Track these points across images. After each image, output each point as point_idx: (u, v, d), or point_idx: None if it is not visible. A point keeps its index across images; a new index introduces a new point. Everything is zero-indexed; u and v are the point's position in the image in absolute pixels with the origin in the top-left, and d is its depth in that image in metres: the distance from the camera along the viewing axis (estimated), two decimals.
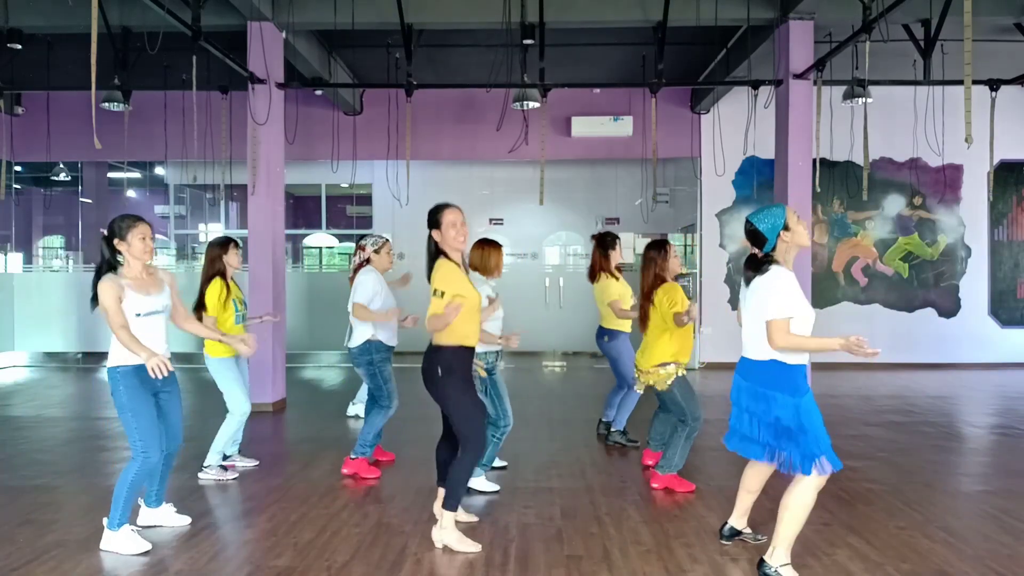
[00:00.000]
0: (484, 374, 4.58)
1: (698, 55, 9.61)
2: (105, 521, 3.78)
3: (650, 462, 5.26)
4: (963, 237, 10.93)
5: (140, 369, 3.67)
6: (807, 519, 3.33)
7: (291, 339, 9.72)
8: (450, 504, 3.77)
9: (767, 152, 9.30)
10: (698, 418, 4.75)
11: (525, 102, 8.27)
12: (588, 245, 7.93)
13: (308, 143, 10.11)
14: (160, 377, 3.57)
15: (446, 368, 3.70)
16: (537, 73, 7.50)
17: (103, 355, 3.79)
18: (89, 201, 13.68)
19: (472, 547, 3.73)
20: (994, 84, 7.88)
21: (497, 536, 3.96)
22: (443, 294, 3.62)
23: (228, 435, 5.07)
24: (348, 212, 14.27)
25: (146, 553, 3.69)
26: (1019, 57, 8.77)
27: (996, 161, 9.70)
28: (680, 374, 4.78)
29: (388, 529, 4.07)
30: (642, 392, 5.15)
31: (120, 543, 3.71)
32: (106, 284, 3.66)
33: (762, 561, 3.35)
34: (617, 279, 5.85)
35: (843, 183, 10.58)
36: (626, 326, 5.90)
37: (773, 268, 3.28)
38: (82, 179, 13.41)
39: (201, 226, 14.03)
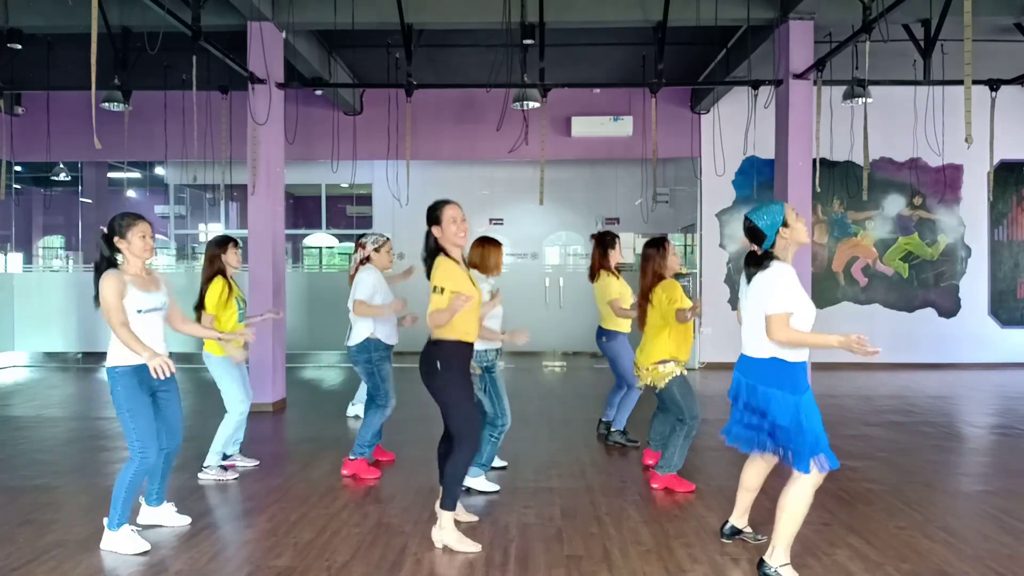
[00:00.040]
0: (479, 371, 4.56)
1: (698, 55, 9.61)
2: (105, 521, 3.78)
3: (650, 462, 5.26)
4: (963, 237, 10.93)
5: (139, 369, 3.67)
6: (807, 519, 3.33)
7: (291, 339, 9.72)
8: (448, 504, 3.77)
9: (767, 152, 9.30)
10: (696, 417, 4.75)
11: (525, 102, 8.27)
12: (588, 245, 7.95)
13: (308, 143, 10.11)
14: (163, 378, 3.57)
15: (445, 362, 3.70)
16: (537, 73, 7.50)
17: (103, 355, 3.78)
18: (89, 201, 13.69)
19: (472, 547, 3.73)
20: (994, 84, 7.88)
21: (497, 536, 3.96)
22: (443, 291, 3.62)
23: (227, 435, 5.07)
24: (348, 212, 14.27)
25: (146, 553, 3.69)
26: (1019, 57, 8.77)
27: (996, 161, 9.70)
28: (679, 372, 4.77)
29: (388, 529, 4.07)
30: (642, 390, 5.14)
31: (120, 543, 3.71)
32: (110, 279, 3.65)
33: (762, 561, 3.35)
34: (617, 278, 5.85)
35: (843, 183, 10.58)
36: (625, 327, 5.90)
37: (774, 264, 3.28)
38: (82, 179, 13.42)
39: (201, 226, 14.04)
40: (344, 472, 5.10)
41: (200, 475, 5.01)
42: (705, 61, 9.79)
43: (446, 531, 3.76)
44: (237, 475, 5.08)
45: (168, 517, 4.12)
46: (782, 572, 3.29)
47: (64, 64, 8.52)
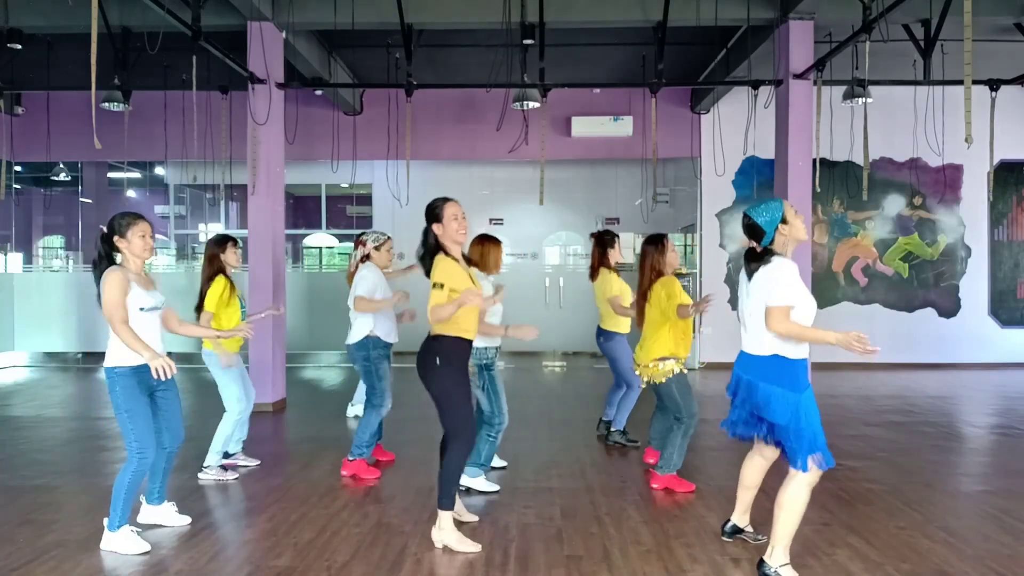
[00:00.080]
0: (474, 370, 4.54)
1: (698, 55, 9.61)
2: (105, 521, 3.78)
3: (652, 461, 5.27)
4: (963, 237, 10.93)
5: (138, 370, 3.67)
6: (807, 519, 3.33)
7: (291, 339, 9.72)
8: (445, 503, 3.77)
9: (767, 152, 9.30)
10: (694, 415, 4.75)
11: (525, 102, 8.27)
12: (588, 245, 7.97)
13: (308, 143, 10.11)
14: (164, 379, 3.57)
15: (444, 358, 3.69)
16: (537, 73, 7.50)
17: (103, 355, 3.78)
18: (89, 201, 13.69)
19: (472, 547, 3.73)
20: (994, 84, 7.88)
21: (497, 536, 3.96)
22: (443, 286, 3.62)
23: (226, 434, 5.07)
24: (348, 212, 14.27)
25: (146, 553, 3.69)
26: (1019, 57, 8.77)
27: (996, 161, 9.70)
28: (679, 370, 4.76)
29: (388, 529, 4.07)
30: (643, 387, 5.11)
31: (120, 543, 3.71)
32: (114, 275, 3.64)
33: (761, 561, 3.35)
34: (617, 275, 5.86)
35: (843, 183, 10.58)
36: (624, 327, 5.89)
37: (776, 259, 3.29)
38: (82, 179, 13.42)
39: (201, 226, 14.04)
40: (344, 473, 5.09)
41: (200, 475, 5.01)
42: (705, 61, 9.79)
43: (445, 531, 3.76)
44: (237, 475, 5.08)
45: (168, 517, 4.12)
46: (782, 572, 3.29)
47: (64, 64, 8.52)
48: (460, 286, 3.65)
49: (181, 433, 4.02)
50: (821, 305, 10.40)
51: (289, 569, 3.52)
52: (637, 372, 4.94)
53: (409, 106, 8.05)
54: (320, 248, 16.92)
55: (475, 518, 4.17)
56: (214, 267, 5.05)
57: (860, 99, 8.35)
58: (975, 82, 5.76)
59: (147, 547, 3.72)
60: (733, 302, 10.45)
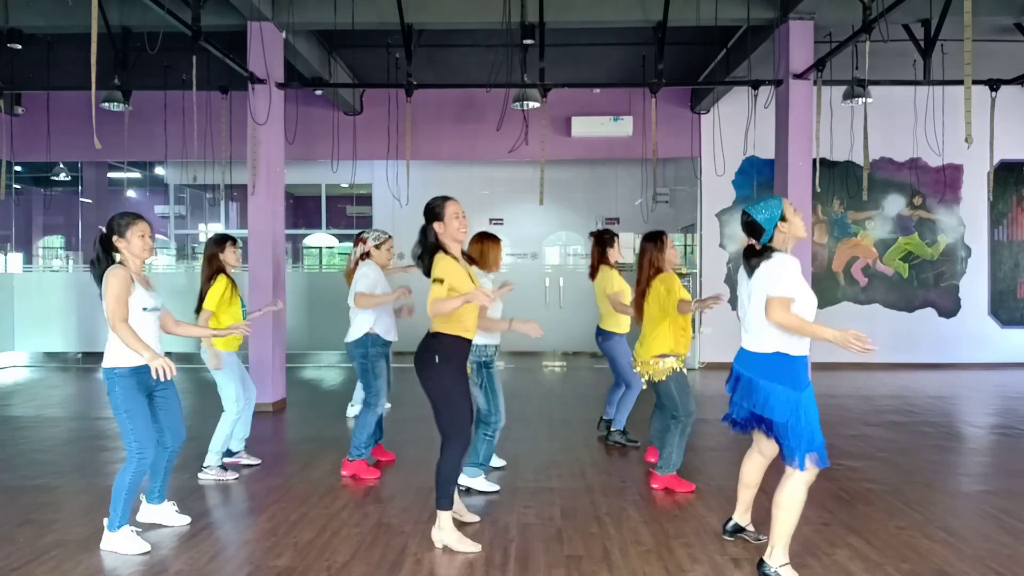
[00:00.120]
0: (472, 368, 4.53)
1: (698, 55, 9.61)
2: (105, 521, 3.78)
3: (653, 460, 5.26)
4: (963, 237, 10.93)
5: (137, 371, 3.67)
6: (807, 519, 3.34)
7: (291, 339, 9.72)
8: (443, 503, 3.77)
9: (767, 152, 9.30)
10: (691, 414, 4.74)
11: (525, 102, 8.27)
12: (588, 245, 7.95)
13: (308, 143, 10.11)
14: (164, 380, 3.57)
15: (444, 356, 3.69)
16: (537, 73, 7.50)
17: (103, 355, 3.78)
18: (89, 201, 13.69)
19: (472, 547, 3.73)
20: (994, 84, 7.88)
21: (497, 536, 3.95)
22: (443, 282, 3.61)
23: (225, 434, 5.06)
24: (348, 212, 14.28)
25: (146, 553, 3.68)
26: (1019, 57, 8.77)
27: (996, 161, 9.70)
28: (678, 369, 4.76)
29: (388, 529, 4.07)
30: (644, 387, 5.09)
31: (120, 543, 3.71)
32: (118, 273, 3.63)
33: (761, 561, 3.35)
34: (618, 273, 5.86)
35: (843, 183, 10.58)
36: (623, 327, 5.89)
37: (778, 254, 3.29)
38: (82, 179, 13.42)
39: (201, 226, 14.04)
40: (344, 473, 5.09)
41: (200, 475, 5.00)
42: (705, 61, 9.79)
43: (445, 531, 3.76)
44: (237, 475, 5.08)
45: (168, 516, 4.12)
46: (782, 572, 3.29)
47: (64, 64, 8.52)
48: (460, 284, 3.65)
49: (183, 432, 4.02)
50: (821, 305, 10.44)
51: (289, 569, 3.52)
52: (636, 369, 4.93)
53: (409, 106, 8.05)
54: (320, 248, 16.93)
55: (476, 518, 4.17)
56: (213, 267, 5.05)
57: (860, 99, 8.35)
58: (975, 82, 5.76)
59: (147, 547, 3.72)
60: (733, 302, 10.43)
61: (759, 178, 10.58)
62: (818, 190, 7.65)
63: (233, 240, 5.17)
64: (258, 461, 5.40)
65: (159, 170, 13.39)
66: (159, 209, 14.44)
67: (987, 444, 6.34)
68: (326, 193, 12.81)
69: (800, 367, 3.30)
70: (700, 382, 9.42)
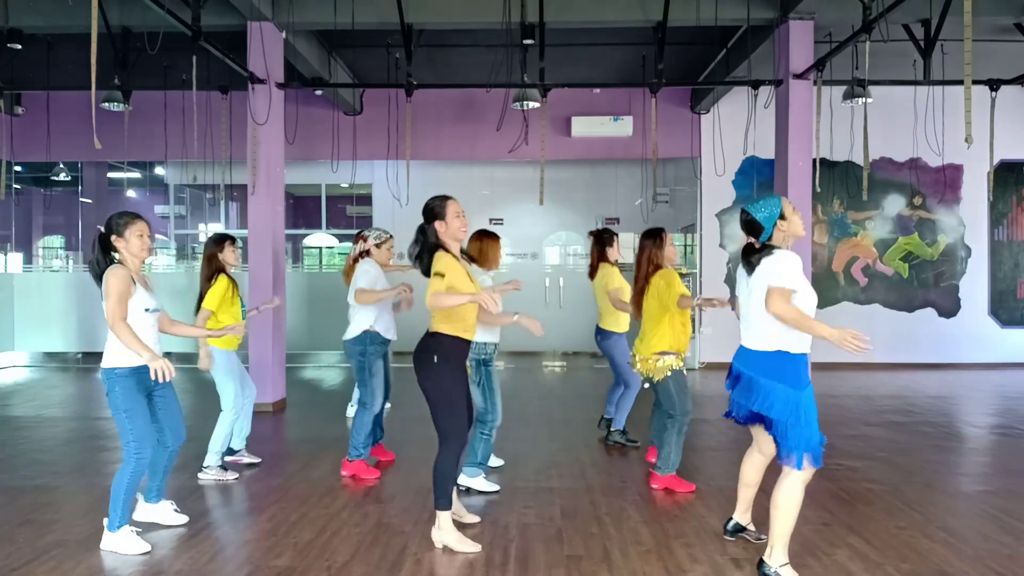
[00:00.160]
0: (469, 371, 4.51)
1: (698, 55, 9.61)
2: (105, 521, 3.77)
3: (653, 459, 5.25)
4: (963, 237, 10.93)
5: (137, 371, 3.66)
6: (807, 519, 3.34)
7: (291, 339, 9.72)
8: (441, 504, 3.77)
9: (767, 152, 9.30)
10: (687, 412, 4.74)
11: (525, 102, 8.27)
12: (588, 245, 7.92)
13: (308, 143, 10.11)
14: (163, 381, 3.56)
15: (443, 356, 3.69)
16: (537, 73, 7.50)
17: (103, 355, 3.77)
18: (89, 201, 13.69)
19: (472, 547, 3.73)
20: (994, 84, 7.88)
21: (497, 536, 3.95)
22: (444, 276, 3.61)
23: (224, 433, 5.05)
24: (348, 212, 14.28)
25: (146, 553, 3.68)
26: (1019, 57, 8.77)
27: (996, 161, 9.70)
28: (678, 367, 4.75)
29: (388, 529, 4.07)
30: (647, 386, 5.06)
31: (120, 544, 3.71)
32: (119, 272, 3.62)
33: (761, 561, 3.35)
34: (619, 271, 5.86)
35: (843, 183, 10.58)
36: (623, 326, 5.89)
37: (779, 250, 3.30)
38: (82, 179, 13.42)
39: (201, 226, 14.04)
40: (344, 473, 5.09)
41: (200, 475, 5.00)
42: (705, 61, 9.79)
43: (445, 531, 3.76)
44: (237, 475, 5.07)
45: (165, 515, 4.11)
46: (782, 572, 3.29)
47: (64, 64, 8.52)
48: (460, 283, 3.65)
49: (183, 432, 4.02)
50: (821, 305, 10.38)
51: (289, 569, 3.52)
52: (635, 366, 4.90)
53: (409, 106, 8.05)
54: (320, 248, 16.93)
55: (476, 519, 4.16)
56: (213, 266, 5.04)
57: (860, 99, 8.35)
58: (975, 82, 5.76)
59: (147, 547, 3.72)
60: (733, 301, 10.44)
61: (759, 178, 10.58)
62: (818, 190, 7.65)
63: (232, 239, 5.17)
64: (259, 460, 5.40)
65: (159, 170, 13.39)
66: (159, 209, 14.44)
67: (987, 444, 6.34)
68: (326, 193, 12.81)
69: (801, 365, 3.29)
70: (700, 382, 9.42)
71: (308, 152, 10.40)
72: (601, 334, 5.96)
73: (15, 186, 12.37)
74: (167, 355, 3.72)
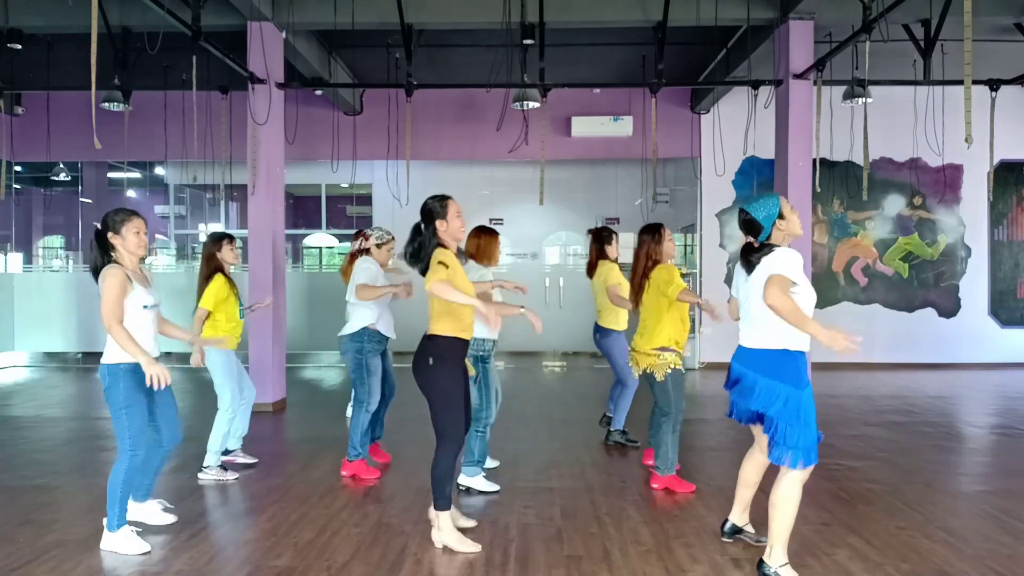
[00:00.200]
0: (474, 372, 4.51)
1: (698, 55, 9.61)
2: (105, 521, 3.77)
3: (650, 462, 5.25)
4: (963, 237, 10.93)
5: (139, 367, 3.65)
6: (807, 519, 3.34)
7: (291, 339, 9.72)
8: (440, 504, 3.76)
9: (767, 152, 9.30)
10: (682, 409, 4.74)
11: (525, 102, 8.27)
12: (587, 244, 7.90)
13: (308, 143, 10.11)
14: (157, 388, 3.56)
15: (438, 358, 3.69)
16: (537, 73, 7.50)
17: (104, 351, 3.76)
18: (89, 201, 13.70)
19: (472, 547, 3.73)
20: (994, 84, 7.88)
21: (497, 536, 3.95)
22: (447, 267, 3.61)
23: (222, 432, 5.04)
24: (348, 212, 14.28)
25: (146, 553, 3.68)
26: (1019, 57, 8.77)
27: (996, 161, 9.70)
28: (677, 366, 4.74)
29: (388, 529, 4.07)
30: (637, 379, 5.00)
31: (120, 543, 3.70)
32: (114, 272, 3.61)
33: (761, 562, 3.35)
34: (619, 268, 5.86)
35: (843, 183, 10.58)
36: (621, 324, 5.88)
37: (779, 248, 3.30)
38: (82, 179, 13.43)
39: (201, 226, 14.04)
40: (344, 473, 5.09)
41: (200, 475, 5.00)
42: (705, 61, 9.79)
43: (445, 531, 3.76)
44: (237, 475, 5.07)
45: (153, 515, 4.08)
46: (781, 572, 3.29)
47: (64, 64, 8.52)
48: (459, 281, 3.67)
49: (179, 433, 3.99)
50: (821, 305, 10.41)
51: (289, 569, 3.52)
52: (632, 361, 4.88)
53: (409, 106, 8.05)
54: (320, 248, 16.93)
55: (473, 523, 4.10)
56: (211, 266, 5.04)
57: (860, 99, 8.35)
58: (975, 82, 5.76)
59: (147, 547, 3.72)
60: (729, 304, 10.44)
61: (759, 178, 10.58)
62: (818, 190, 7.65)
63: (231, 238, 5.16)
64: (255, 460, 5.39)
65: (159, 170, 13.40)
66: (159, 209, 14.45)
67: (987, 444, 6.34)
68: (326, 193, 12.81)
69: (801, 363, 3.30)
70: (700, 382, 9.42)
71: (308, 152, 10.40)
72: (600, 332, 5.95)
73: (15, 186, 12.37)
74: (167, 355, 3.71)
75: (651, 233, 4.83)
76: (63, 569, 3.52)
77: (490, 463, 5.18)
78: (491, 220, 12.13)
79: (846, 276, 10.91)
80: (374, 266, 5.10)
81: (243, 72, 7.35)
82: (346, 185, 11.97)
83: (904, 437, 6.36)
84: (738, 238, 10.36)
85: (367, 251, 5.24)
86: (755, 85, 7.85)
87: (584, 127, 10.64)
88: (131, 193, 15.50)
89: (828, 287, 10.76)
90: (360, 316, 5.05)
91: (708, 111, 10.53)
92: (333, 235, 15.30)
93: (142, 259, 3.83)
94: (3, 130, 10.48)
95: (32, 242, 16.22)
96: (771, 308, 3.15)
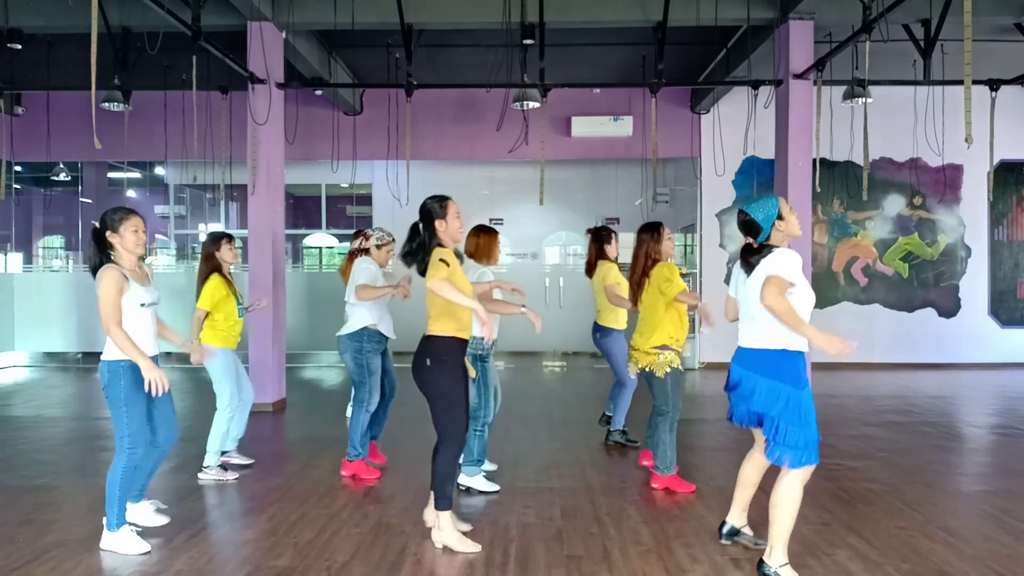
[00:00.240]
0: (475, 375, 4.50)
1: (698, 55, 9.61)
2: (104, 521, 3.77)
3: (647, 462, 5.24)
4: (963, 237, 10.93)
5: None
6: (807, 519, 3.34)
7: (291, 339, 9.72)
8: (442, 504, 3.76)
9: (767, 152, 9.30)
10: (679, 409, 4.74)
11: (525, 102, 8.27)
12: (587, 244, 7.92)
13: (308, 143, 10.11)
14: (155, 394, 3.56)
15: (436, 358, 3.70)
16: (537, 73, 7.50)
17: (104, 348, 3.75)
18: (89, 201, 13.69)
19: (472, 547, 3.73)
20: (994, 84, 7.88)
21: (497, 536, 3.95)
22: (448, 264, 3.61)
23: (221, 432, 5.03)
24: (348, 212, 14.27)
25: (146, 553, 3.68)
26: (1019, 57, 8.77)
27: (996, 161, 9.70)
28: (676, 364, 4.73)
29: (388, 529, 4.07)
30: (635, 378, 4.98)
31: (120, 543, 3.70)
32: (111, 272, 3.60)
33: (761, 562, 3.35)
34: (618, 268, 5.86)
35: (843, 183, 10.58)
36: (621, 323, 5.88)
37: (779, 249, 3.30)
38: (82, 179, 13.42)
39: (201, 226, 14.04)
40: (344, 473, 5.09)
41: (200, 475, 5.00)
42: (705, 61, 9.79)
43: (445, 531, 3.76)
44: (237, 476, 5.07)
45: (146, 516, 4.07)
46: (782, 572, 3.29)
47: (64, 64, 8.52)
48: (458, 280, 3.68)
49: (176, 433, 3.98)
50: (821, 305, 10.46)
51: (289, 569, 3.52)
52: (632, 360, 4.87)
53: (409, 106, 8.05)
54: (320, 248, 16.93)
55: (468, 526, 4.05)
56: (210, 265, 5.04)
57: (860, 99, 8.35)
58: (975, 82, 5.76)
59: (147, 547, 3.71)
60: (727, 305, 10.43)
61: (759, 178, 10.58)
62: (818, 190, 7.66)
63: (230, 238, 5.15)
64: (250, 461, 5.38)
65: (159, 170, 13.39)
66: (159, 209, 14.44)
67: (987, 444, 6.34)
68: (326, 193, 12.81)
69: (800, 363, 3.30)
70: (700, 382, 9.42)
71: (308, 152, 10.40)
72: (599, 331, 5.94)
73: (15, 186, 12.37)
74: (166, 355, 3.71)
75: (650, 232, 4.83)
76: (63, 569, 3.52)
77: (488, 466, 5.16)
78: (491, 220, 12.13)
79: (846, 276, 10.92)
80: (373, 266, 5.09)
81: (243, 72, 7.36)
82: (346, 185, 11.97)
83: (904, 437, 6.36)
84: (738, 238, 10.35)
85: (366, 251, 5.23)
86: (755, 85, 7.86)
87: (584, 127, 10.65)
88: (131, 193, 15.50)
89: (828, 287, 10.76)
90: (359, 316, 5.04)
91: (708, 111, 10.53)
92: (333, 235, 15.29)
93: (141, 257, 3.83)
94: (3, 130, 10.48)
95: (32, 242, 16.22)
96: (767, 309, 3.18)
